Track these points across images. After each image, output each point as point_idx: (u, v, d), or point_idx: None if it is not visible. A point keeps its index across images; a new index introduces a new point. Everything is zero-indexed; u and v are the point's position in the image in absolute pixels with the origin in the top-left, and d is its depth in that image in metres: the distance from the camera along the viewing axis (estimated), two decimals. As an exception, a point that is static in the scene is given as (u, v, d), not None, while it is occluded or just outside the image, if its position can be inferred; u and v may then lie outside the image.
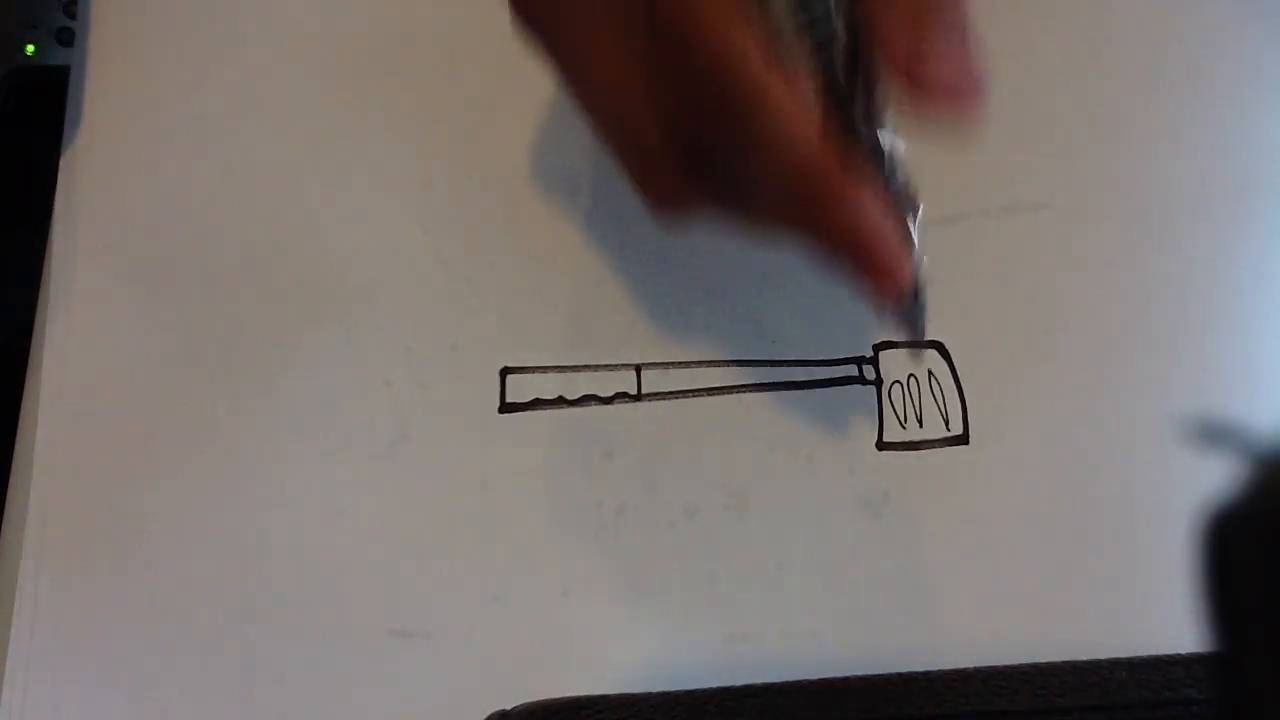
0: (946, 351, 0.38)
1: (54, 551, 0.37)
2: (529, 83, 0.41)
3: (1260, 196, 0.40)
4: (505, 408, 0.38)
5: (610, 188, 0.40)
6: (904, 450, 0.37)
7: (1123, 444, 0.37)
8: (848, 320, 0.39)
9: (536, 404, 0.38)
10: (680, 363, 0.38)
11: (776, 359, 0.38)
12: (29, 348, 0.40)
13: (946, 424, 0.37)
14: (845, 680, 0.31)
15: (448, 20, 0.42)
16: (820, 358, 0.38)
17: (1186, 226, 0.39)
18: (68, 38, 0.43)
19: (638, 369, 0.38)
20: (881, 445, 0.37)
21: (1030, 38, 0.42)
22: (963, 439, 0.37)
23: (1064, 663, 0.32)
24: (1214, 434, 0.17)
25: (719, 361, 0.38)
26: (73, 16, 0.43)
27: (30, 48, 0.42)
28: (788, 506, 0.37)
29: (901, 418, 0.38)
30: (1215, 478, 0.17)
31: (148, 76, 0.42)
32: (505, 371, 0.38)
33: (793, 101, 0.27)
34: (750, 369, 0.38)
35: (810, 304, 0.39)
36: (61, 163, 0.41)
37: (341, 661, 0.36)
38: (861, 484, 0.37)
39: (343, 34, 0.43)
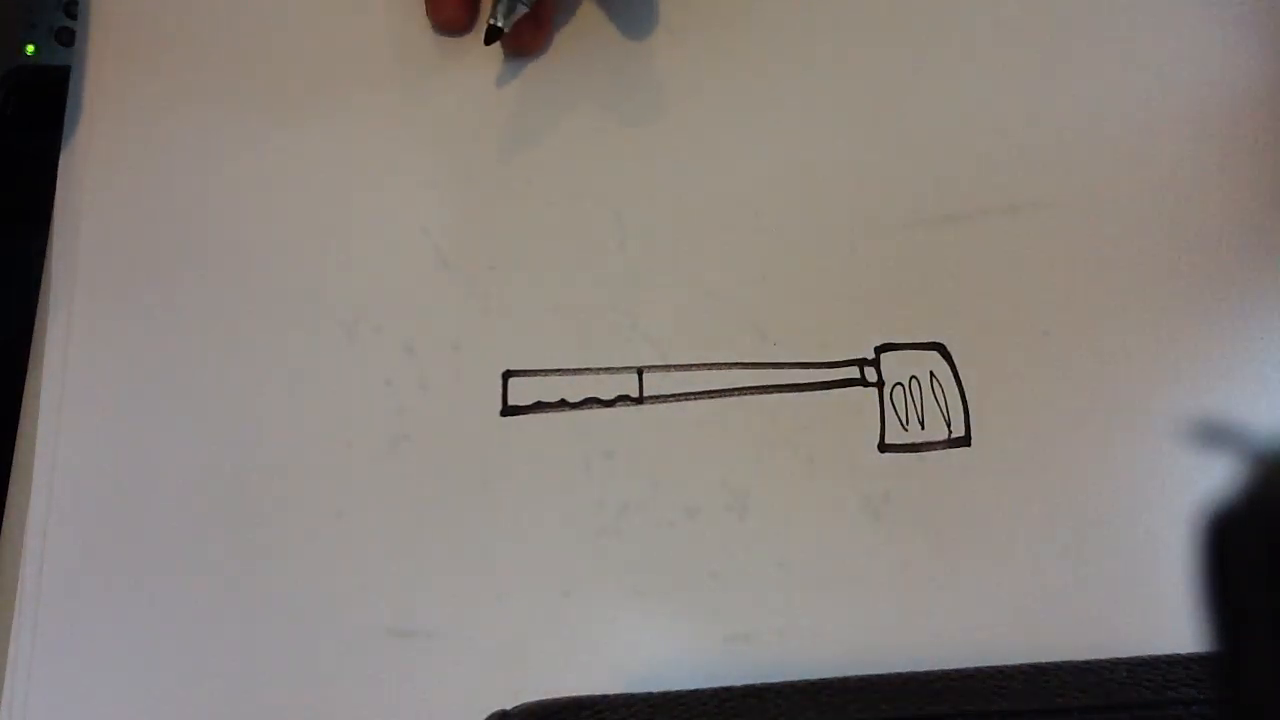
0: (948, 353, 0.38)
1: (55, 552, 0.37)
2: (532, 85, 0.41)
3: (1261, 196, 0.40)
4: (507, 410, 0.38)
5: (612, 189, 0.40)
6: (905, 452, 0.37)
7: (1123, 445, 0.37)
8: (849, 322, 0.39)
9: (538, 407, 0.38)
10: (682, 365, 0.38)
11: (778, 361, 0.38)
12: (29, 347, 0.40)
13: (948, 426, 0.37)
14: (845, 680, 0.31)
15: (435, 49, 0.42)
16: (822, 360, 0.38)
17: (1187, 226, 0.39)
18: (68, 38, 0.43)
19: (639, 371, 0.38)
20: (883, 447, 0.37)
21: (1032, 39, 0.42)
22: (964, 441, 0.37)
23: (1064, 663, 0.32)
24: (1214, 434, 0.17)
25: (721, 364, 0.38)
26: (73, 16, 0.43)
27: (30, 48, 0.42)
28: (789, 508, 0.37)
29: (903, 419, 0.38)
30: (1215, 478, 0.17)
31: (148, 76, 0.42)
32: (507, 375, 0.38)
33: None
34: (752, 371, 0.38)
35: (812, 306, 0.39)
36: (61, 163, 0.41)
37: (342, 661, 0.36)
38: (862, 485, 0.37)
39: (344, 36, 0.43)
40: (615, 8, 0.42)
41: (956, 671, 0.32)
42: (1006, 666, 0.31)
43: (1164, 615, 0.35)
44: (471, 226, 0.40)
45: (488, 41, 0.39)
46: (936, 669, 0.32)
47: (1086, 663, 0.31)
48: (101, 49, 0.43)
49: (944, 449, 0.37)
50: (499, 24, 0.38)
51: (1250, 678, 0.16)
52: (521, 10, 0.38)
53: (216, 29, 0.43)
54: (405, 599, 0.36)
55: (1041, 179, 0.40)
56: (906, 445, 0.37)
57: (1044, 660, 0.32)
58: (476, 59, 0.42)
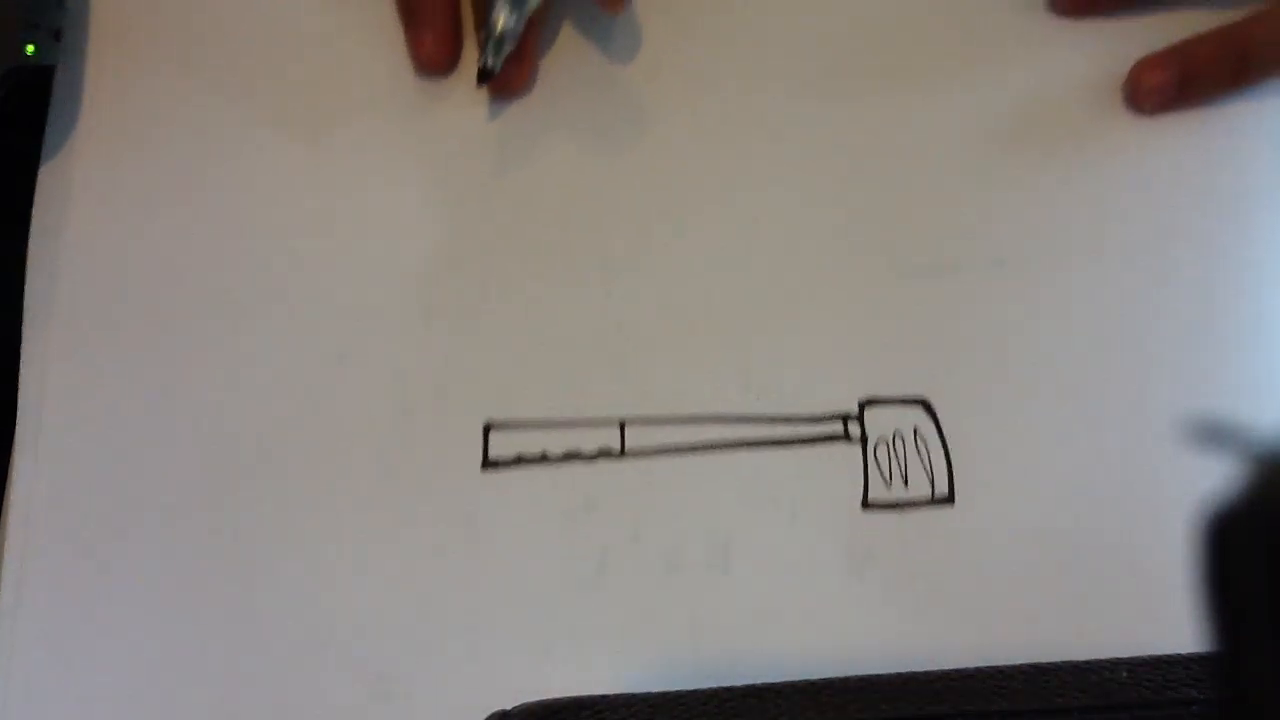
0: (932, 409, 0.38)
1: (27, 594, 0.37)
2: (517, 128, 0.41)
3: (1240, 244, 0.39)
4: (488, 464, 0.37)
5: (596, 237, 0.40)
6: (889, 510, 0.37)
7: (1113, 507, 0.36)
8: (833, 376, 0.38)
9: (519, 461, 0.37)
10: (665, 418, 0.38)
11: (761, 415, 0.38)
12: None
13: (932, 484, 0.37)
14: (845, 680, 0.31)
15: (429, 82, 0.42)
16: (805, 414, 0.38)
17: (1173, 281, 0.39)
18: (68, 38, 0.43)
19: (622, 424, 0.38)
20: (866, 505, 0.37)
21: (1014, 93, 0.41)
22: (948, 500, 0.37)
23: (1064, 663, 0.32)
24: (1214, 434, 0.17)
25: (703, 417, 0.38)
26: (73, 16, 0.43)
27: (30, 48, 0.42)
28: (770, 563, 0.36)
29: (886, 477, 0.37)
30: (1215, 478, 0.17)
31: (136, 104, 0.42)
32: (489, 427, 0.38)
33: None
34: (735, 425, 0.38)
35: (795, 358, 0.38)
36: (59, 165, 0.41)
37: (314, 713, 0.35)
38: (845, 543, 0.36)
39: (333, 77, 0.42)
40: (598, 42, 0.42)
41: (956, 671, 0.32)
42: (1006, 666, 0.31)
43: (1164, 615, 0.35)
44: (455, 273, 0.39)
45: (480, 83, 0.39)
46: (936, 669, 0.32)
47: (1086, 663, 0.31)
48: (99, 52, 0.42)
49: (927, 508, 0.37)
50: (490, 64, 0.38)
51: (1250, 678, 0.16)
52: (510, 47, 0.38)
53: (206, 66, 0.42)
54: (383, 650, 0.35)
55: (1026, 233, 0.39)
56: (890, 503, 0.37)
57: (1044, 660, 0.32)
58: (460, 100, 0.41)
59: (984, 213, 0.40)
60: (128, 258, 0.40)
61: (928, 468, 0.37)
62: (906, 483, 0.37)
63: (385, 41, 0.42)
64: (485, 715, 0.31)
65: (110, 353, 0.39)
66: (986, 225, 0.40)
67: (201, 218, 0.40)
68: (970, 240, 0.39)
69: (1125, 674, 0.31)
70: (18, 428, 0.38)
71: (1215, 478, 0.17)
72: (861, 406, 0.38)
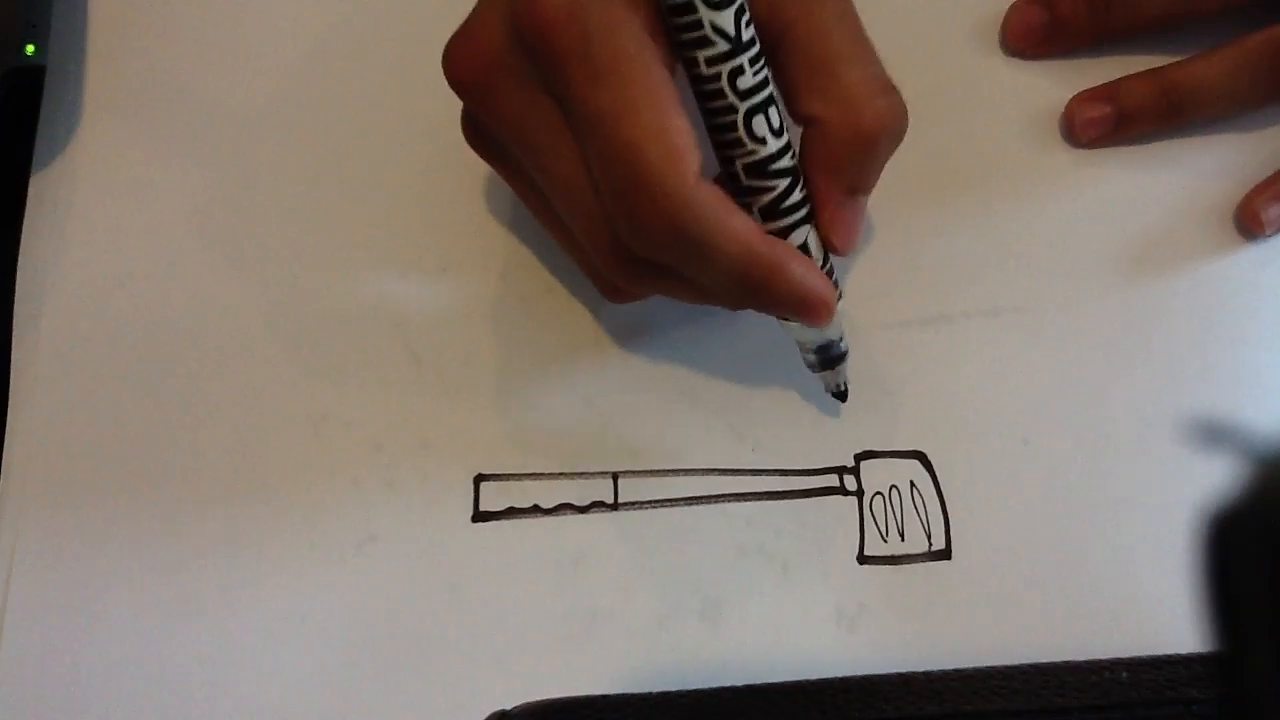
0: (929, 462, 0.37)
1: (24, 573, 0.36)
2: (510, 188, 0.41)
3: (1238, 306, 0.39)
4: (478, 516, 0.37)
5: (587, 287, 0.39)
6: (884, 564, 0.36)
7: (1110, 568, 0.36)
8: (829, 428, 0.38)
9: (511, 513, 0.37)
10: (658, 470, 0.37)
11: (756, 468, 0.37)
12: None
13: (929, 538, 0.36)
14: (845, 680, 0.31)
15: (425, 112, 0.40)
16: (801, 467, 0.37)
17: (1170, 328, 0.38)
18: (68, 38, 0.43)
19: (615, 477, 0.37)
20: (862, 559, 0.36)
21: (1011, 142, 0.41)
22: (945, 554, 0.36)
23: (1064, 663, 0.32)
24: (1214, 434, 0.17)
25: (698, 470, 0.37)
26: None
27: (30, 48, 0.42)
28: (762, 617, 0.36)
29: (883, 530, 0.37)
30: (1215, 478, 0.17)
31: (141, 89, 0.42)
32: (479, 479, 0.37)
33: (732, 221, 0.30)
34: (729, 477, 0.37)
35: (791, 411, 0.38)
36: (54, 170, 0.41)
37: None
38: (838, 597, 0.36)
39: (321, 124, 0.41)
40: None
41: (956, 671, 0.32)
42: (1006, 666, 0.31)
43: (1164, 615, 0.35)
44: (444, 320, 0.39)
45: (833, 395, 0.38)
46: (936, 669, 0.32)
47: (1086, 663, 0.31)
48: (92, 70, 0.42)
49: (924, 562, 0.36)
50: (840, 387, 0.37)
51: (1250, 678, 0.16)
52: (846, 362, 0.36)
53: (205, 72, 0.42)
54: (368, 706, 0.35)
55: (1023, 281, 0.39)
56: (886, 557, 0.36)
57: (1044, 660, 0.32)
58: (452, 148, 0.39)
59: (977, 262, 0.39)
60: (119, 267, 0.40)
61: (924, 522, 0.37)
62: (903, 537, 0.36)
63: (366, 109, 0.41)
64: (485, 716, 0.31)
65: (99, 363, 0.38)
66: (980, 275, 0.39)
67: (178, 278, 0.40)
68: (964, 290, 0.39)
69: (1125, 674, 0.31)
70: (7, 433, 0.38)
71: (1216, 478, 0.17)
72: (858, 459, 0.37)
